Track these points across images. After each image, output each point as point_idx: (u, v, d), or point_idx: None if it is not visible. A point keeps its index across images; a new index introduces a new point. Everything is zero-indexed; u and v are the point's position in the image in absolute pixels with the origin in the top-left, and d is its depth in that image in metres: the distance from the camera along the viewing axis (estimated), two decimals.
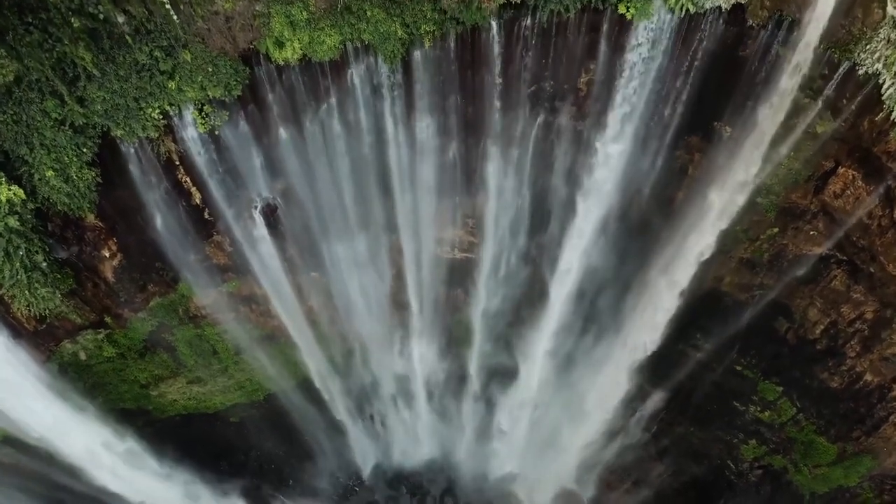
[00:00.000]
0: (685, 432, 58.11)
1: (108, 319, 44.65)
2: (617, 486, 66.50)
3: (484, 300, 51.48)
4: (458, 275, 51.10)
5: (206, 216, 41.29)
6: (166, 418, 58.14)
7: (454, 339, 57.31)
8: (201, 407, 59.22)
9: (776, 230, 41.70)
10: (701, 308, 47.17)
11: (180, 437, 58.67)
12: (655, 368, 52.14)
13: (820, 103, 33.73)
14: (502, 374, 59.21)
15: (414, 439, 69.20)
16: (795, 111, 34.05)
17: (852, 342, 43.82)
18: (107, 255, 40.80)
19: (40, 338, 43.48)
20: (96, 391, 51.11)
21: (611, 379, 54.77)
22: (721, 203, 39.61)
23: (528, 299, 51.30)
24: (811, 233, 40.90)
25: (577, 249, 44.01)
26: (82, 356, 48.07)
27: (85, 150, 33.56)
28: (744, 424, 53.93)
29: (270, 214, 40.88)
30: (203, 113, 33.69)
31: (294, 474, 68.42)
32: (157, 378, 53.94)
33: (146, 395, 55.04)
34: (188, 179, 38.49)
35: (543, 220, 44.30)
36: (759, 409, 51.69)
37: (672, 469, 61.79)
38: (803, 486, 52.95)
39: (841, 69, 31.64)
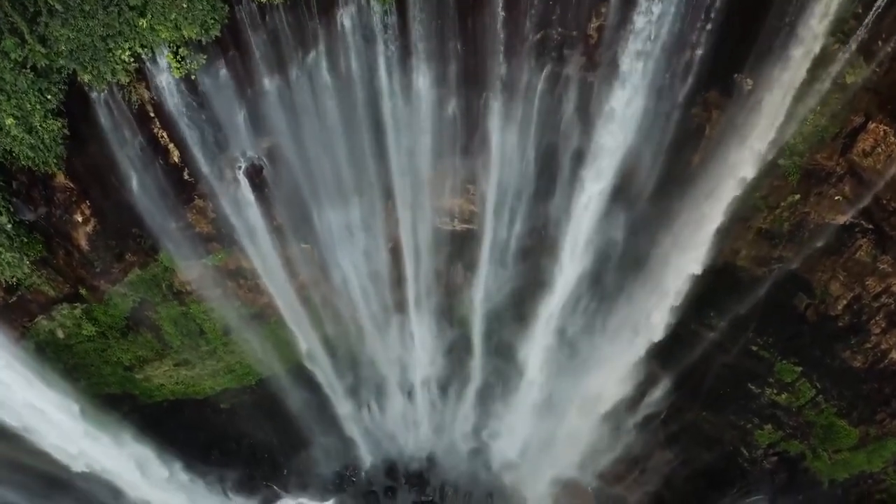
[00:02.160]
0: (696, 418, 55.61)
1: (82, 291, 41.91)
2: (624, 476, 64.02)
3: (487, 276, 48.76)
4: (459, 248, 48.39)
5: (186, 177, 38.52)
6: (153, 404, 55.58)
7: (455, 319, 54.65)
8: (190, 392, 56.71)
9: (798, 197, 39.20)
10: (715, 284, 44.63)
11: (169, 424, 55.78)
12: (666, 350, 49.21)
13: (851, 47, 30.94)
14: (506, 356, 56.31)
15: (413, 427, 66.83)
16: (824, 59, 31.31)
17: (877, 318, 41.43)
18: (79, 219, 38.01)
19: (12, 312, 41.00)
20: (78, 373, 48.67)
21: (618, 361, 51.78)
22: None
23: (533, 274, 48.43)
24: (836, 198, 38.35)
25: (586, 217, 41.12)
26: (60, 334, 45.57)
27: (49, 96, 30.85)
28: (759, 408, 51.49)
29: (256, 176, 38.08)
30: (178, 56, 30.75)
31: (288, 464, 66.03)
32: (142, 360, 51.43)
33: (131, 378, 52.54)
34: (165, 134, 35.70)
35: (550, 185, 41.42)
36: (775, 391, 49.22)
37: (682, 457, 59.46)
38: (822, 472, 50.56)
39: (877, 5, 28.81)
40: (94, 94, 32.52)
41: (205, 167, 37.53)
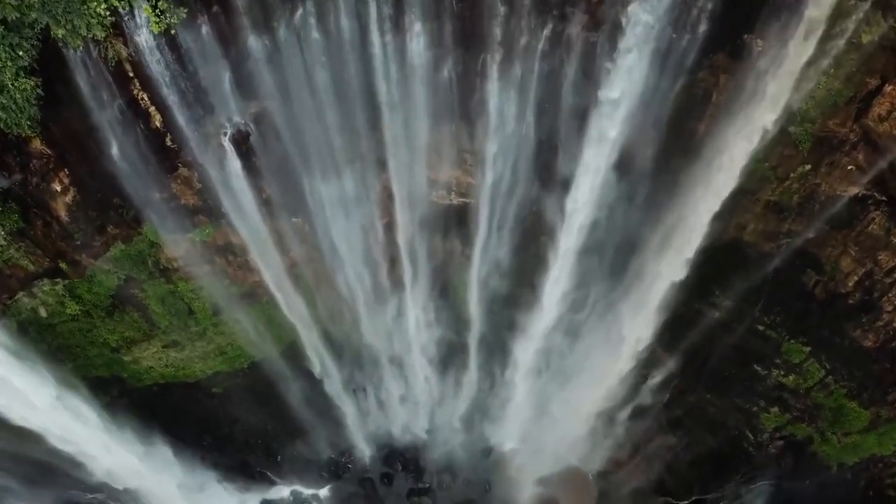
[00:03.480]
0: (700, 401, 54.28)
1: (62, 265, 40.23)
2: (625, 462, 62.54)
3: (484, 252, 47.10)
4: (456, 224, 46.61)
5: (169, 143, 36.68)
6: (143, 388, 54.08)
7: (452, 298, 53.06)
8: (180, 375, 55.07)
9: (808, 167, 37.65)
10: (720, 261, 43.25)
11: (159, 409, 54.34)
12: (669, 331, 47.57)
13: (868, 2, 28.89)
14: (506, 337, 54.67)
15: (410, 412, 65.45)
16: (839, 16, 29.67)
17: (890, 294, 39.94)
18: (58, 188, 36.31)
19: None
20: (63, 355, 47.23)
21: (619, 343, 50.17)
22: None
23: (532, 250, 46.76)
24: (848, 167, 36.84)
25: (588, 188, 39.43)
26: (43, 313, 44.00)
27: (21, 52, 29.15)
28: (765, 391, 50.06)
29: (242, 143, 36.27)
30: (157, 9, 29.01)
31: (282, 450, 64.52)
32: (129, 341, 49.81)
33: (119, 360, 50.96)
34: (145, 96, 33.94)
35: (550, 154, 39.68)
36: (782, 372, 47.83)
37: (685, 442, 57.93)
38: (830, 456, 49.23)
39: None
40: (69, 53, 30.76)
41: (189, 133, 35.82)
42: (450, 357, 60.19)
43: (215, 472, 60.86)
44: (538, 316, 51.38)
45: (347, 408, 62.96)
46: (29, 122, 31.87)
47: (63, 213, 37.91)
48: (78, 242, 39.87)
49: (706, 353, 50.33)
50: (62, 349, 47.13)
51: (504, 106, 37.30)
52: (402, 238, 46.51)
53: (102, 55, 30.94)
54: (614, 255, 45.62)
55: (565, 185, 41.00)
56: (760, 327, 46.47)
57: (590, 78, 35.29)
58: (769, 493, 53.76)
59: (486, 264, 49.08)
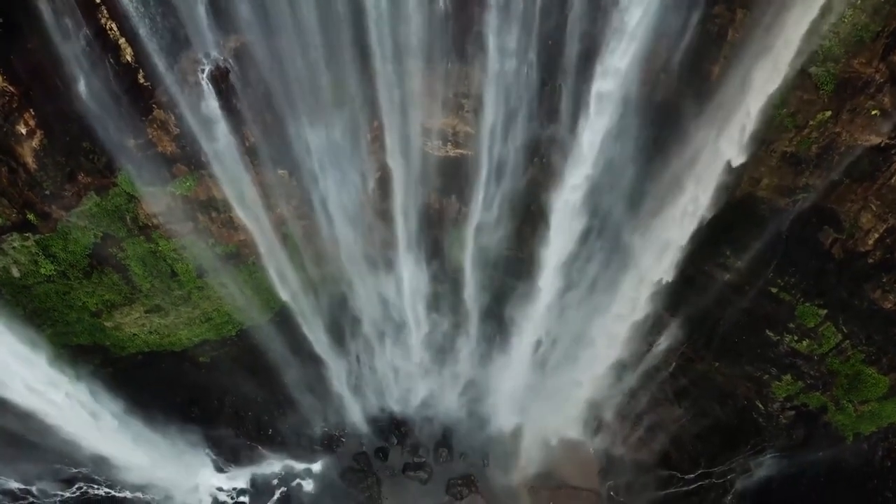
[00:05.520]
0: (708, 369, 52.23)
1: (31, 217, 37.50)
2: (628, 434, 60.39)
3: (482, 208, 44.61)
4: (452, 177, 44.15)
5: (142, 80, 33.85)
6: (127, 356, 51.75)
7: (449, 260, 50.60)
8: (165, 343, 52.79)
9: (829, 114, 35.14)
10: (732, 219, 41.11)
11: (145, 379, 52.37)
12: (676, 294, 45.53)
13: None
14: (505, 301, 52.24)
15: (405, 383, 63.86)
16: None
17: None
18: (23, 131, 33.60)
19: None
20: (40, 319, 44.51)
21: (624, 305, 47.65)
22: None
23: (534, 209, 44.20)
24: (872, 112, 34.36)
25: (594, 136, 36.81)
26: (15, 272, 41.43)
27: None
28: (777, 357, 47.91)
29: (221, 81, 33.45)
30: None
31: (274, 423, 62.93)
32: (109, 305, 47.33)
33: (100, 326, 48.59)
34: (114, 26, 31.23)
35: (554, 97, 37.03)
36: (796, 337, 45.73)
37: (692, 413, 55.74)
38: (845, 426, 47.13)
39: None
40: None
41: (163, 69, 33.06)
42: (446, 321, 58.07)
43: (204, 446, 58.19)
44: (539, 279, 48.98)
45: (340, 379, 60.83)
46: None
47: (30, 159, 35.22)
48: (47, 192, 37.19)
49: (715, 318, 48.27)
50: (39, 314, 44.74)
51: (504, 42, 34.62)
52: (396, 192, 43.89)
53: None
54: (619, 209, 43.08)
55: (570, 131, 38.32)
56: (773, 290, 44.20)
57: (597, 9, 32.54)
58: (779, 465, 51.48)
59: (484, 223, 46.51)
